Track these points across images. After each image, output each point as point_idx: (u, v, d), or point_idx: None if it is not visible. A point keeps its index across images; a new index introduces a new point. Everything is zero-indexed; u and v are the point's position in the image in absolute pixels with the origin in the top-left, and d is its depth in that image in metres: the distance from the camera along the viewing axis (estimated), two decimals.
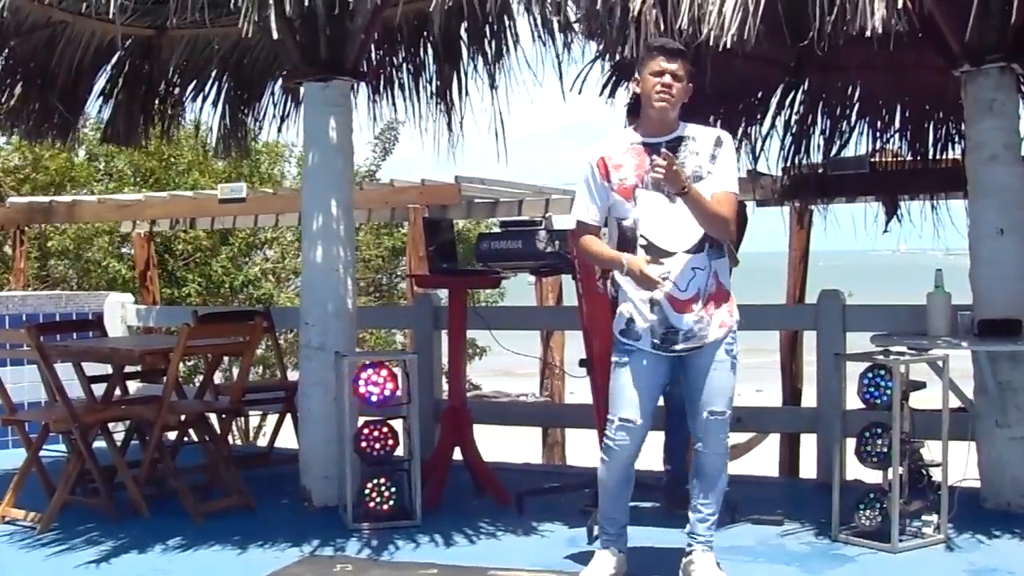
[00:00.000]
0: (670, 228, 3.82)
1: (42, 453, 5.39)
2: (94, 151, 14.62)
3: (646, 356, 3.89)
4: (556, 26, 5.45)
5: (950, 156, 6.70)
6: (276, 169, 15.69)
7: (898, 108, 6.75)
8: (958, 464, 4.75)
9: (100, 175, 15.13)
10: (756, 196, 7.81)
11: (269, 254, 15.29)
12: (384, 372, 4.90)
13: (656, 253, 3.81)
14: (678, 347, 3.86)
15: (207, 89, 6.96)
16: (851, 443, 4.67)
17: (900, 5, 4.02)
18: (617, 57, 5.45)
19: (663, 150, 3.73)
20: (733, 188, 3.93)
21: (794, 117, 6.75)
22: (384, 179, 13.38)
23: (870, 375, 4.49)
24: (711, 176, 3.85)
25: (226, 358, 8.58)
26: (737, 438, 9.18)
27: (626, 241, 3.88)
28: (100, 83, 6.88)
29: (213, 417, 5.73)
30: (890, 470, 4.46)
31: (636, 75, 3.94)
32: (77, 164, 14.88)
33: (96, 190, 14.41)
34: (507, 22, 6.05)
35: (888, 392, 4.42)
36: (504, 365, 13.65)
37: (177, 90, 7.05)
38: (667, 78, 3.82)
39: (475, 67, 6.28)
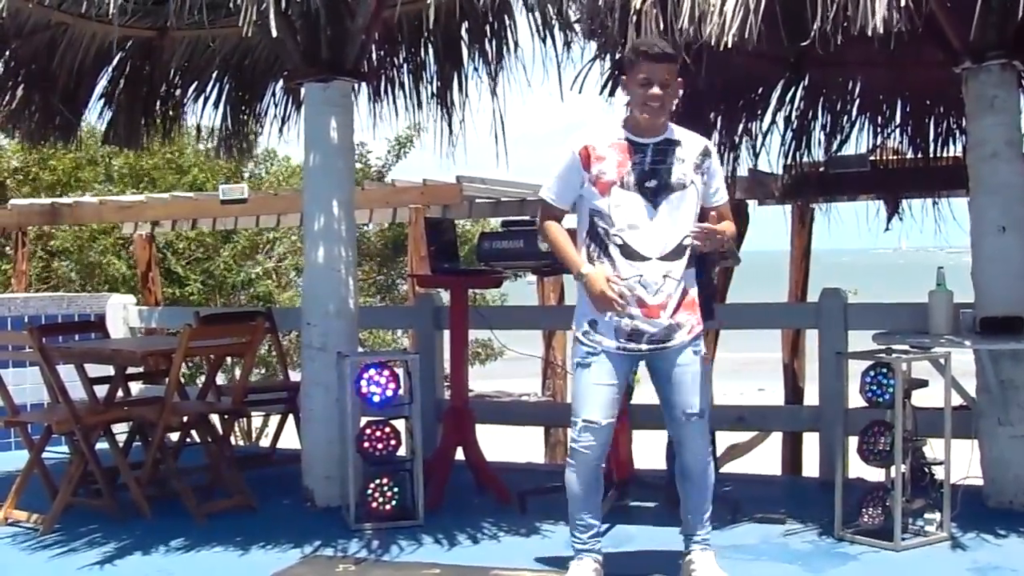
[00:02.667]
0: (648, 233, 3.79)
1: (45, 455, 5.40)
2: (94, 155, 14.66)
3: (610, 356, 3.85)
4: (556, 25, 5.45)
5: (951, 152, 6.69)
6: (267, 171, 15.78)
7: (899, 104, 6.75)
8: (961, 462, 4.74)
9: (103, 178, 15.16)
10: (758, 195, 7.81)
11: (278, 250, 15.29)
12: (386, 372, 4.90)
13: (632, 256, 3.79)
14: (643, 346, 3.85)
15: (208, 90, 6.97)
16: (853, 441, 4.67)
17: (902, 4, 4.00)
18: (617, 56, 5.46)
19: (704, 227, 3.79)
20: (726, 196, 4.04)
21: (794, 113, 6.74)
22: (386, 179, 13.43)
23: (872, 373, 4.48)
24: (693, 187, 3.85)
25: (228, 359, 8.57)
26: (739, 437, 9.22)
27: (598, 239, 3.84)
28: (101, 85, 6.89)
29: (215, 418, 5.73)
30: (893, 468, 4.45)
31: (624, 76, 3.90)
32: (84, 165, 14.91)
33: (98, 192, 14.43)
34: (507, 22, 6.05)
35: (890, 390, 4.41)
36: (506, 365, 13.66)
37: (178, 91, 7.06)
38: (655, 89, 3.77)
39: (475, 67, 6.29)
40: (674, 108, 3.94)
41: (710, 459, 4.01)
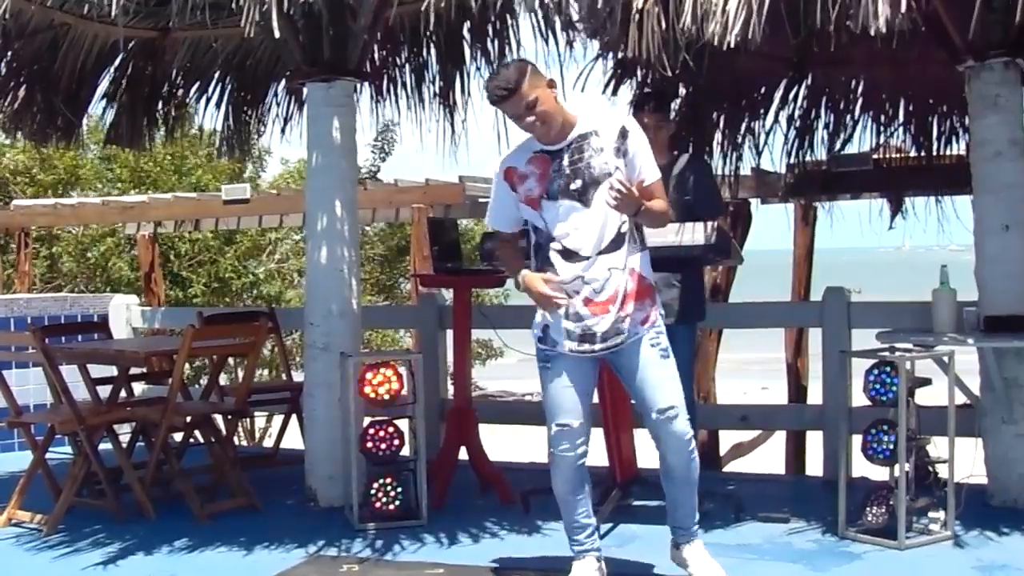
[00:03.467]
0: (584, 232, 3.73)
1: (48, 455, 5.40)
2: (108, 153, 14.69)
3: (567, 359, 3.81)
4: (558, 25, 5.45)
5: (955, 150, 6.69)
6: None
7: (902, 102, 6.74)
8: (965, 461, 4.74)
9: (108, 178, 15.17)
10: (760, 194, 7.81)
11: (281, 250, 15.28)
12: (389, 371, 4.90)
13: (571, 258, 3.74)
14: (597, 347, 3.77)
15: (210, 91, 6.96)
16: (857, 440, 4.66)
17: (903, 7, 3.99)
18: (619, 55, 5.45)
19: (614, 181, 3.65)
20: (657, 174, 3.82)
21: (797, 112, 6.74)
22: (388, 179, 13.42)
23: (876, 372, 4.48)
24: (619, 172, 3.72)
25: (232, 359, 8.58)
26: (743, 436, 9.22)
27: (539, 248, 3.84)
28: (103, 85, 6.88)
29: (219, 418, 5.74)
30: (897, 467, 4.45)
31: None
32: (85, 163, 14.92)
33: (101, 192, 14.45)
34: (509, 21, 6.05)
35: (894, 389, 4.41)
36: (509, 365, 13.65)
37: (180, 92, 7.06)
38: (521, 123, 3.77)
39: (478, 67, 6.29)
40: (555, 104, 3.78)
41: (693, 454, 3.86)
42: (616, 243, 3.75)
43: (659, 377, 3.79)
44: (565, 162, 3.76)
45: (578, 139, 3.78)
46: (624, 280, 3.75)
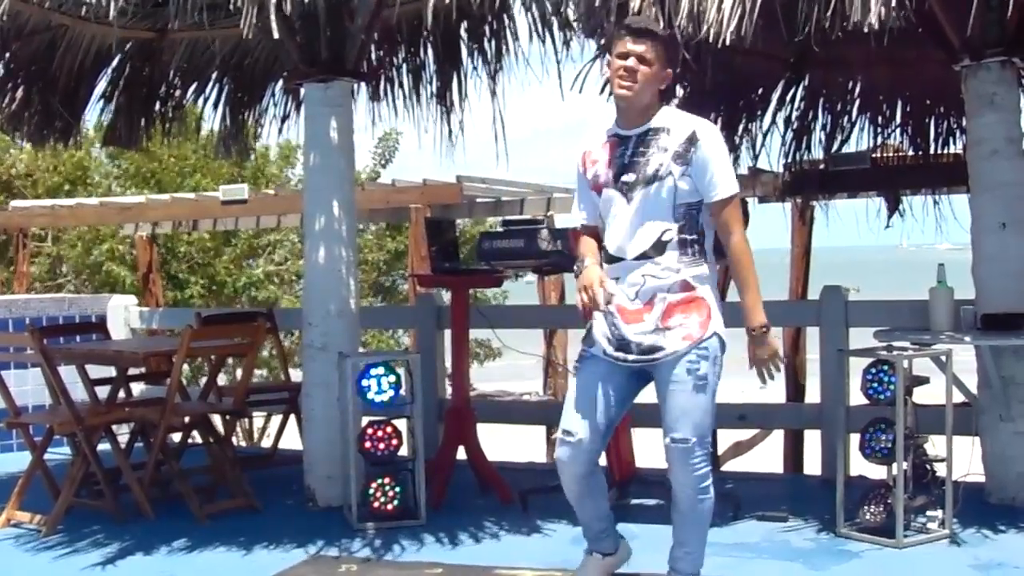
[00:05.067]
0: (624, 232, 3.55)
1: (47, 456, 5.40)
2: (108, 154, 14.68)
3: (600, 364, 3.62)
4: (555, 24, 5.45)
5: (952, 150, 6.70)
6: (287, 172, 15.68)
7: (899, 103, 6.75)
8: (962, 459, 4.75)
9: (113, 178, 15.16)
10: (757, 193, 7.82)
11: (279, 253, 15.23)
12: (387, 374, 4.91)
13: (611, 259, 3.58)
14: (631, 358, 3.56)
15: (208, 91, 6.96)
16: (855, 439, 4.67)
17: (895, 2, 4.00)
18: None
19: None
20: (730, 190, 3.52)
21: (795, 113, 6.75)
22: (386, 179, 13.41)
23: (873, 371, 4.48)
24: (671, 177, 3.48)
25: (230, 360, 8.58)
26: (741, 435, 9.23)
27: (601, 245, 3.67)
28: (101, 86, 6.88)
29: (217, 418, 5.74)
30: (894, 465, 4.46)
31: (607, 58, 3.64)
32: (94, 164, 14.90)
33: (104, 192, 14.44)
34: (507, 21, 6.05)
35: (891, 387, 4.42)
36: (507, 365, 13.65)
37: (178, 92, 7.05)
38: (631, 61, 3.48)
39: (475, 67, 6.29)
40: (658, 96, 3.62)
41: (702, 495, 3.58)
42: (656, 250, 3.51)
43: (684, 405, 3.52)
44: (629, 151, 3.56)
45: (650, 132, 3.56)
46: (667, 290, 3.51)
